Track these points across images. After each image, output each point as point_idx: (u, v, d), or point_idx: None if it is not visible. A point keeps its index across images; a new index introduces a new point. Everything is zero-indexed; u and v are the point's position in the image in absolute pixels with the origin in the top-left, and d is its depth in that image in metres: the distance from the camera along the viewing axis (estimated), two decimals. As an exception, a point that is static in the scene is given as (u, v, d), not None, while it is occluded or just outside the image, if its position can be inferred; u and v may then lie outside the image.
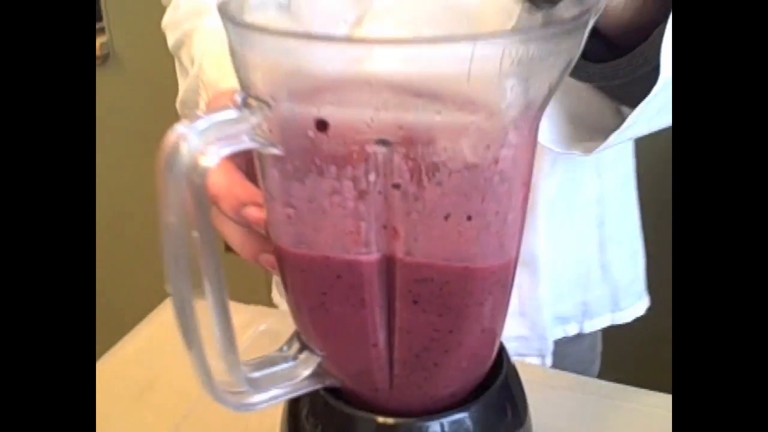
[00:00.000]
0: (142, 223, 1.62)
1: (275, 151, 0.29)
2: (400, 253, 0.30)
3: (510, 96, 0.27)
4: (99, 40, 1.60)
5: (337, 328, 0.32)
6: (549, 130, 0.52)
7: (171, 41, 0.70)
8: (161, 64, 0.89)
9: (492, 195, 0.29)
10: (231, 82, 0.56)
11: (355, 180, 0.28)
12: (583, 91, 0.52)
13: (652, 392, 0.55)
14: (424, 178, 0.28)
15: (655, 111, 0.44)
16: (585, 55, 0.47)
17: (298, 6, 0.34)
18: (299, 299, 0.33)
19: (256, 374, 0.33)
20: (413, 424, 0.34)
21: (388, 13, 0.35)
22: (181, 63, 0.68)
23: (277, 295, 0.82)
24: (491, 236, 0.30)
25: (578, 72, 0.48)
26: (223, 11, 0.28)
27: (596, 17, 0.28)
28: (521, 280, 0.65)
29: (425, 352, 0.32)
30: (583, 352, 0.75)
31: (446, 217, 0.29)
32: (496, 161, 0.28)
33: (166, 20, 0.72)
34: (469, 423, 0.35)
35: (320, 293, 0.31)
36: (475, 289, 0.31)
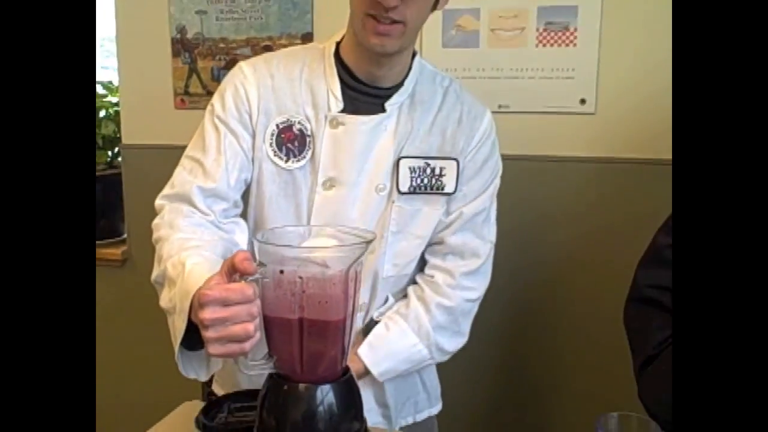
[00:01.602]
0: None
1: (267, 280, 0.89)
2: (305, 315, 0.89)
3: (342, 263, 0.89)
4: (120, 249, 2.23)
5: (282, 345, 0.91)
6: None
7: (154, 237, 1.09)
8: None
9: (334, 295, 0.90)
10: (186, 280, 1.00)
11: (290, 290, 0.89)
12: None
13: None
14: (314, 289, 0.89)
15: None
16: None
17: (277, 236, 0.96)
18: (271, 334, 0.92)
19: (257, 362, 0.91)
20: (313, 387, 0.91)
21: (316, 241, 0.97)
22: (157, 253, 1.07)
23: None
24: (334, 308, 0.90)
25: None
26: (255, 237, 0.90)
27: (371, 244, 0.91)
28: (377, 388, 1.24)
29: (315, 356, 0.91)
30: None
31: (318, 302, 0.89)
32: (335, 284, 0.89)
33: (155, 222, 1.11)
34: (332, 392, 0.92)
35: (279, 332, 0.91)
36: (331, 329, 0.91)
